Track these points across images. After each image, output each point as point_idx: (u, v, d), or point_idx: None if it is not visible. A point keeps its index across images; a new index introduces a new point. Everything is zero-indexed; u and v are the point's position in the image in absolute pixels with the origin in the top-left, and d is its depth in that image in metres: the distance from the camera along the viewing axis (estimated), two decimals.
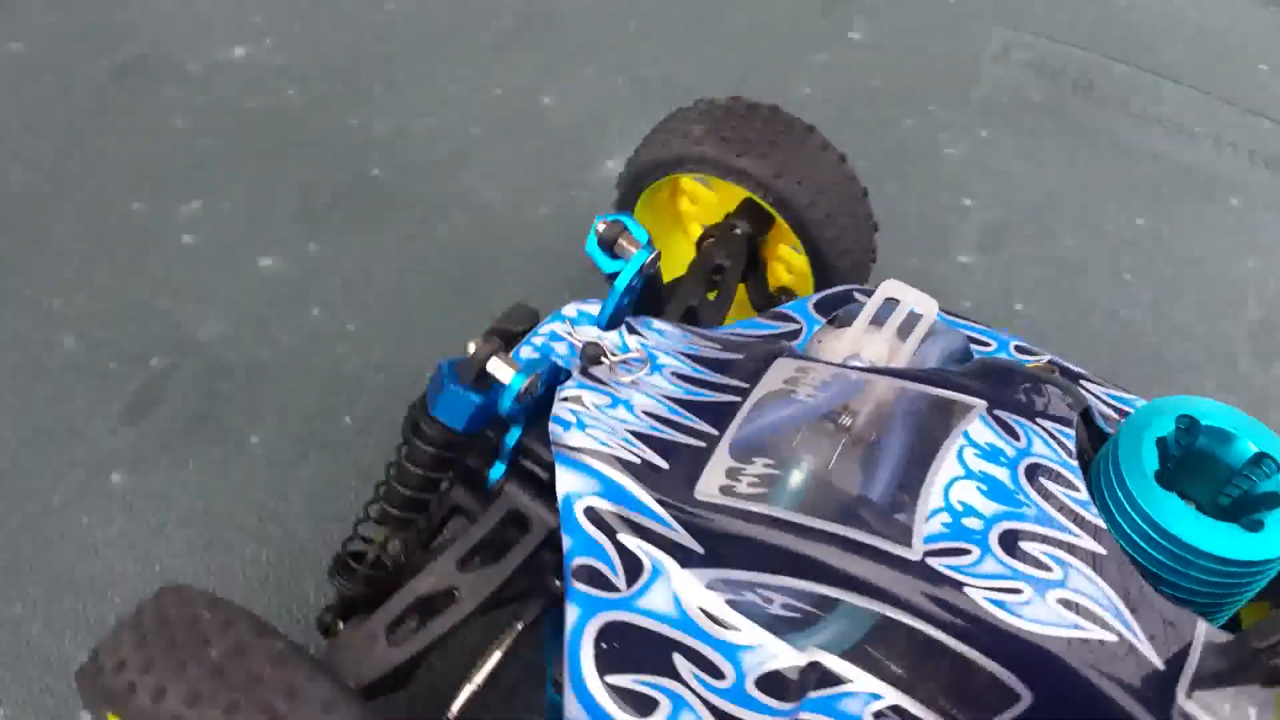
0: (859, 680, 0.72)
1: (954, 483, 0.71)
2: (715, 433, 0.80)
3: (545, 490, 0.84)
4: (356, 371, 1.21)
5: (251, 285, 1.29)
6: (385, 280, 1.30)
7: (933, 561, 0.68)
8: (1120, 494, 0.72)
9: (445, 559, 0.83)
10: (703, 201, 1.20)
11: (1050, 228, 1.47)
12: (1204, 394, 1.29)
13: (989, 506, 0.70)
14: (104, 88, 1.53)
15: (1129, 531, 0.71)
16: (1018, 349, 0.92)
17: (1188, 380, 1.31)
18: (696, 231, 1.25)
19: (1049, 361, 0.90)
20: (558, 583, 0.85)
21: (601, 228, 0.90)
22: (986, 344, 0.92)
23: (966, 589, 0.67)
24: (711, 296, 1.05)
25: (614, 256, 0.91)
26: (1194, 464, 0.75)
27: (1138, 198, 1.53)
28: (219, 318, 1.26)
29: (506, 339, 0.97)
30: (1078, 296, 1.39)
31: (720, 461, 0.78)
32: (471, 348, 0.80)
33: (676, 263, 1.23)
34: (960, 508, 0.70)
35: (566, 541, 0.79)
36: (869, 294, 0.96)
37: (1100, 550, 0.69)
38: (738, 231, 1.10)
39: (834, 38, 1.73)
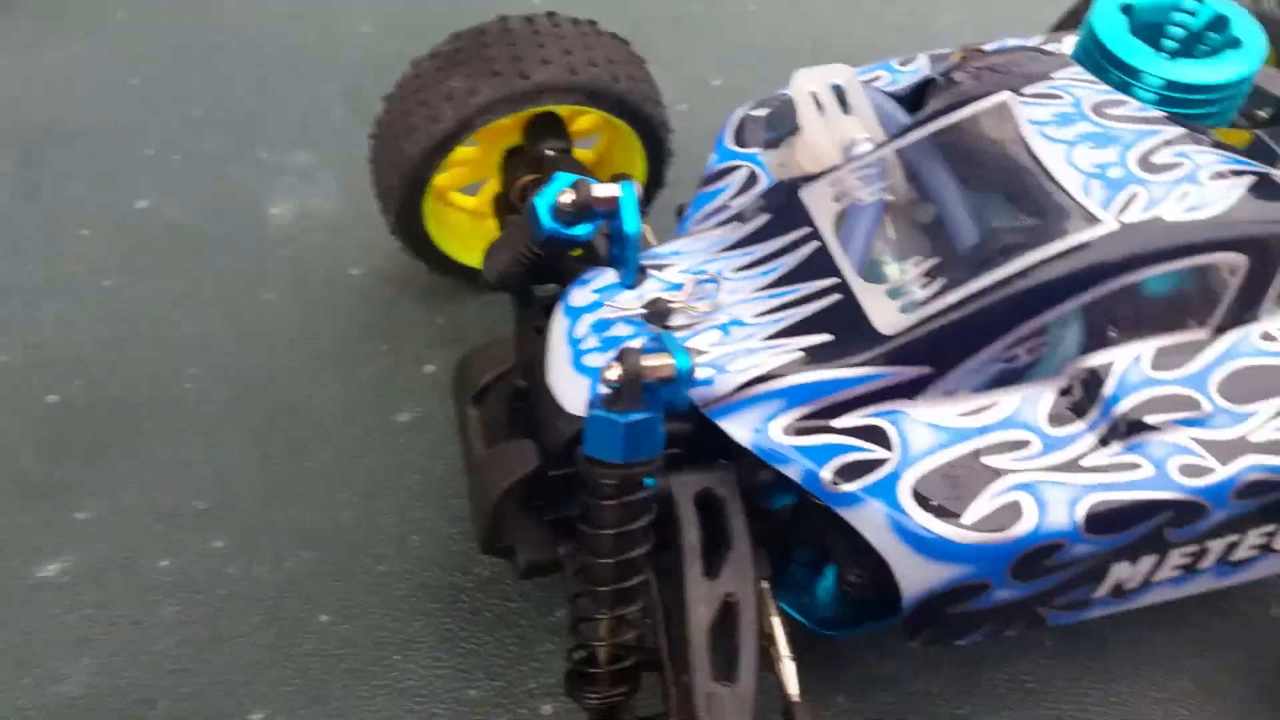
0: (1118, 357, 0.76)
1: (1070, 151, 0.76)
2: (834, 280, 0.77)
3: (693, 459, 0.77)
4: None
5: None
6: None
7: (1127, 217, 0.73)
8: (1133, 79, 0.82)
9: (694, 583, 0.75)
10: (462, 161, 1.07)
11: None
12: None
13: (1109, 152, 0.76)
14: None
15: (1160, 105, 0.81)
16: (899, 63, 0.97)
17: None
18: (460, 199, 1.13)
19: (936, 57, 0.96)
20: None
21: (567, 198, 0.79)
22: (878, 76, 0.95)
23: (1164, 217, 0.73)
24: None
25: (575, 222, 0.81)
26: (1143, 31, 0.86)
27: None
28: None
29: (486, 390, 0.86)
30: (738, 40, 1.46)
31: (869, 293, 0.76)
32: (614, 372, 0.69)
33: (471, 244, 1.12)
34: (1096, 169, 0.75)
35: (795, 471, 0.74)
36: (762, 105, 0.95)
37: (1179, 129, 0.78)
38: (551, 154, 1.01)
39: None
